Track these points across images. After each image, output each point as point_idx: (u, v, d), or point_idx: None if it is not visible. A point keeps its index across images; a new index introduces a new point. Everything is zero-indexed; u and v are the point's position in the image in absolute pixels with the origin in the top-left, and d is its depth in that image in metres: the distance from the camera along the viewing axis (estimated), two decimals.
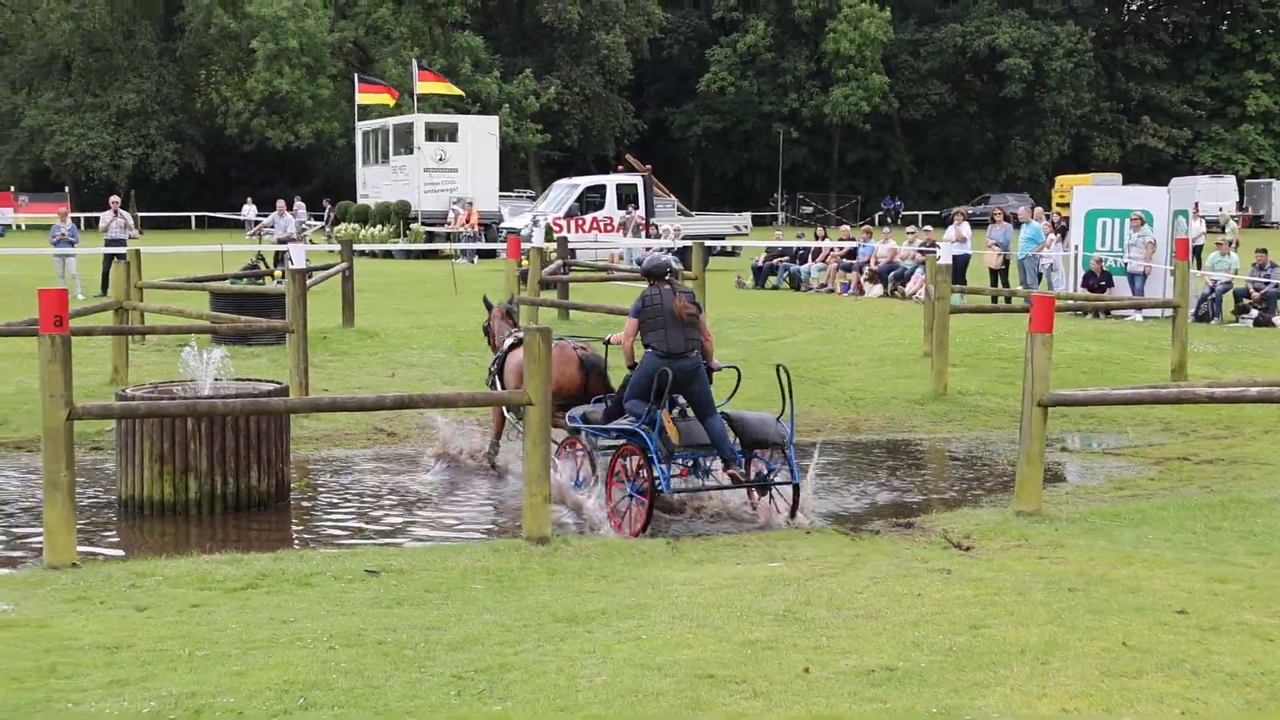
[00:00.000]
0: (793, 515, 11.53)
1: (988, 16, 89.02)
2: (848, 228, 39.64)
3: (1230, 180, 73.15)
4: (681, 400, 11.78)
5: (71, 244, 29.83)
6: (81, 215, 58.19)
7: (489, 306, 14.78)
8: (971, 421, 16.86)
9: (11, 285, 29.94)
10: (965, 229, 30.02)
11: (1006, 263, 29.22)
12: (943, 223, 55.06)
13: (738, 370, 12.93)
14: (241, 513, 12.14)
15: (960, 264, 27.02)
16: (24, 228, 70.86)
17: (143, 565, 9.18)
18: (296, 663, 6.66)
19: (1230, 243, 28.41)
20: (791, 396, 11.81)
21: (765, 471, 11.82)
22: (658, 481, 11.06)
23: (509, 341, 13.54)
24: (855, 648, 6.89)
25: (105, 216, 30.63)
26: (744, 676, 6.45)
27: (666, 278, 11.88)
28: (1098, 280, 26.34)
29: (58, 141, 78.80)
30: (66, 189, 75.78)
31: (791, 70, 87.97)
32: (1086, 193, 30.28)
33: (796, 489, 11.62)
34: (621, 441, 11.66)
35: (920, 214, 77.25)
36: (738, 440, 11.73)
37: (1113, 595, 7.91)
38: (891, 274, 30.98)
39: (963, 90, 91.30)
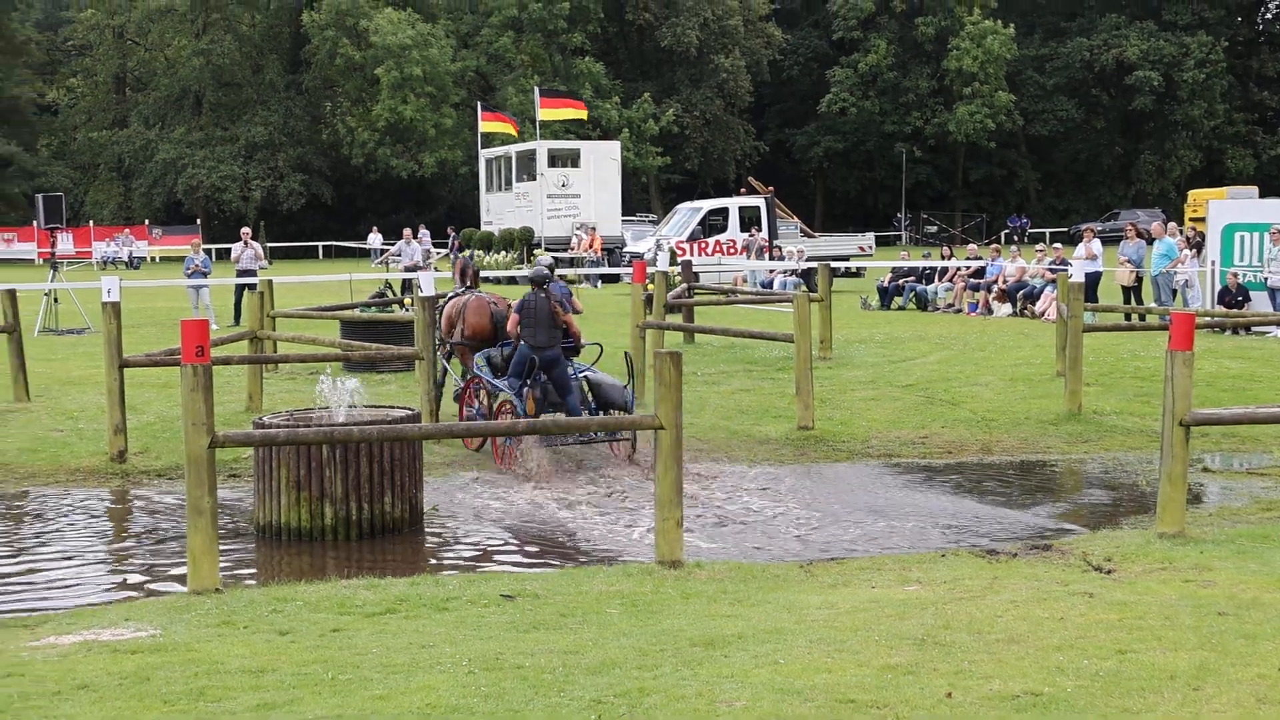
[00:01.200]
0: (630, 457, 15.47)
1: (1115, 30, 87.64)
2: (975, 246, 39.19)
3: None
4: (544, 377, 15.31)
5: (205, 275, 30.42)
6: (212, 247, 59.39)
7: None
8: (1108, 442, 16.56)
9: (147, 316, 30.65)
10: (1096, 246, 29.52)
11: (1140, 280, 28.69)
12: (1070, 240, 54.31)
13: (599, 346, 17.08)
14: (376, 539, 12.28)
15: (1092, 281, 26.56)
16: (158, 260, 72.44)
17: (284, 590, 9.31)
18: (437, 687, 6.70)
19: None
20: (633, 377, 16.10)
21: None
22: None
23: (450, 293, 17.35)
24: (998, 672, 6.77)
25: (236, 248, 31.20)
26: (885, 701, 6.37)
27: (543, 284, 15.44)
28: (1234, 296, 25.77)
29: (189, 175, 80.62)
30: (198, 221, 77.50)
31: (913, 89, 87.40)
32: (1223, 206, 29.61)
33: (633, 440, 15.51)
34: (503, 398, 15.54)
35: (1047, 231, 76.25)
36: (592, 398, 15.51)
37: (1266, 620, 7.70)
38: (1021, 293, 30.56)
39: (1090, 105, 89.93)
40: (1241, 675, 6.65)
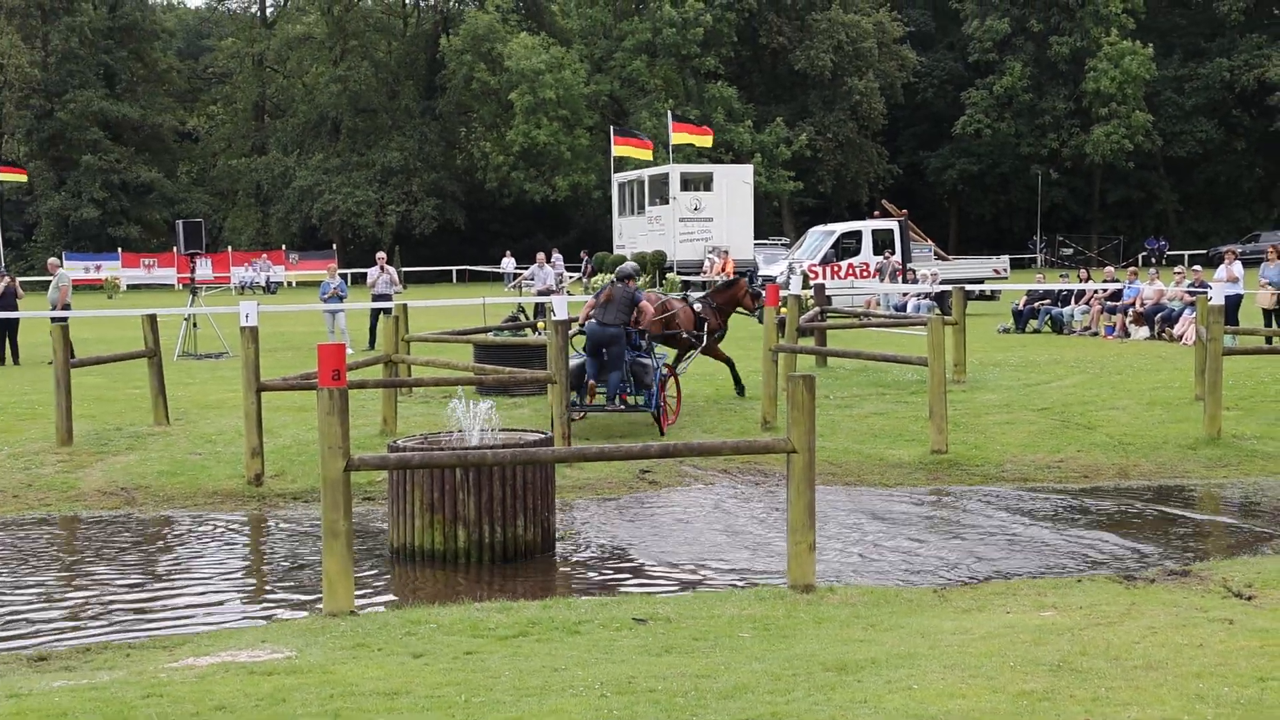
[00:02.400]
0: (660, 430, 17.94)
1: (1257, 49, 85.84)
2: (1111, 269, 38.59)
3: None
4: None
5: (341, 299, 30.92)
6: (348, 271, 60.41)
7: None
8: (1248, 466, 16.23)
9: (284, 340, 31.28)
10: (1237, 268, 28.95)
11: None
12: (1210, 262, 53.22)
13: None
14: (509, 562, 12.38)
15: (1232, 304, 26.03)
16: (294, 285, 73.78)
17: (417, 613, 9.43)
18: (570, 710, 6.74)
19: None
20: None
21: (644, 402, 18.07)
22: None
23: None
24: (1136, 700, 6.67)
25: (372, 272, 31.65)
26: None
27: (625, 280, 18.23)
28: None
29: (325, 200, 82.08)
30: (334, 246, 78.84)
31: (1050, 110, 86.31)
32: None
33: (656, 414, 17.97)
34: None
35: (1186, 254, 74.84)
36: (632, 381, 18.10)
37: None
38: (1158, 315, 30.05)
39: (1230, 126, 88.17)
40: None
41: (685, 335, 20.09)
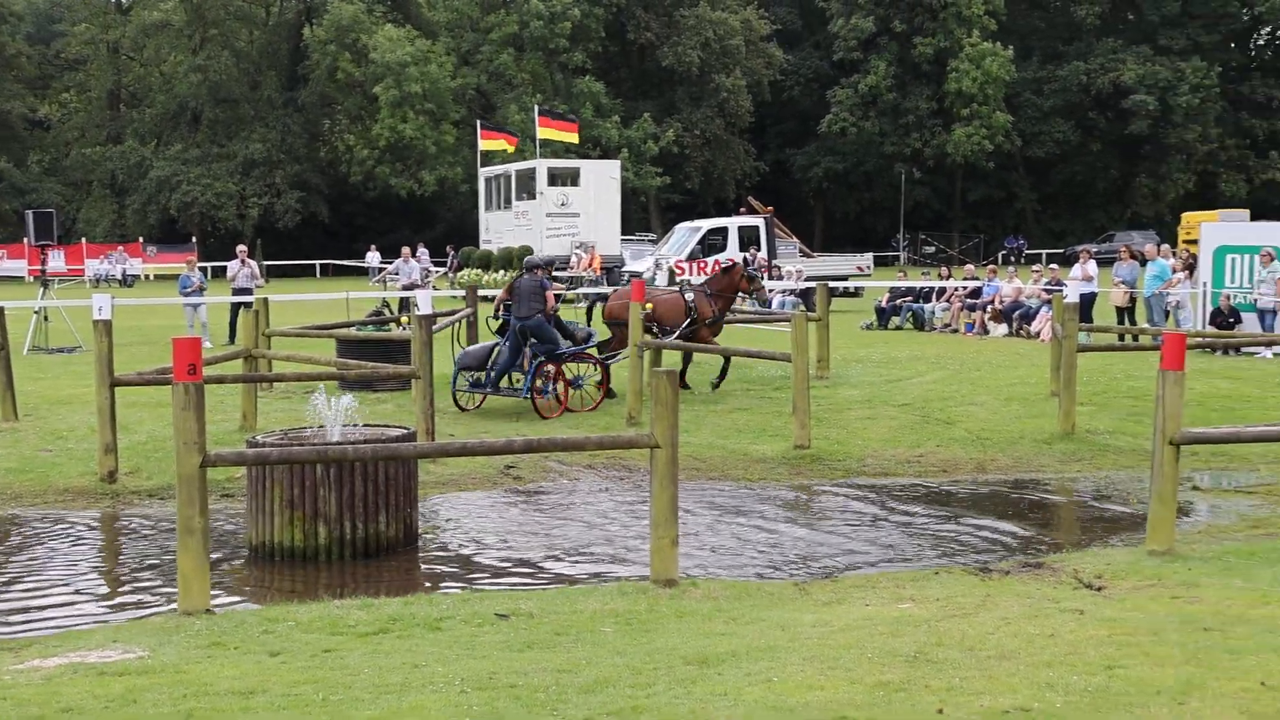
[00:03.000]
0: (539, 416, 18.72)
1: (1112, 54, 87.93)
2: (972, 267, 39.24)
3: None
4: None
5: (202, 293, 30.42)
6: (208, 265, 59.43)
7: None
8: (1100, 460, 16.63)
9: (141, 335, 30.66)
10: (1091, 267, 29.59)
11: (1133, 300, 28.76)
12: (1067, 261, 54.34)
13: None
14: (370, 558, 12.28)
15: (1087, 302, 26.61)
16: (152, 278, 72.43)
17: (275, 611, 9.31)
18: (430, 707, 6.70)
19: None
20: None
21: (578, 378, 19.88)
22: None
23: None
24: (989, 689, 6.79)
25: (232, 266, 31.18)
26: (877, 718, 6.38)
27: (534, 270, 19.28)
28: (1226, 317, 25.86)
29: (184, 192, 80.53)
30: (193, 239, 77.48)
31: (913, 110, 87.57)
32: (1215, 229, 29.72)
33: (530, 399, 18.90)
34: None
35: (1044, 253, 76.38)
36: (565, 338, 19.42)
37: (1250, 635, 7.74)
38: (1016, 313, 30.62)
39: (1086, 128, 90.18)
40: (1227, 689, 6.68)
41: (659, 328, 20.66)
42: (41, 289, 30.81)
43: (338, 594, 10.31)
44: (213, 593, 9.93)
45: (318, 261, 78.55)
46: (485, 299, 37.20)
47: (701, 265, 44.44)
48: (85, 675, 7.54)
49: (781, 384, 20.27)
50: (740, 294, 22.05)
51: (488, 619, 8.87)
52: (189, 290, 29.93)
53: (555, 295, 19.22)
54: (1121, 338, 24.63)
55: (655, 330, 20.48)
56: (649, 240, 61.57)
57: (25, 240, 47.57)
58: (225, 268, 32.59)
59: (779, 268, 43.58)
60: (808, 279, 37.65)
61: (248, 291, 29.00)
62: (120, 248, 73.55)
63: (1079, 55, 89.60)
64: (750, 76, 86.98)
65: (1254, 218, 60.63)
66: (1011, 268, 37.76)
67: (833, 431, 17.77)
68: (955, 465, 16.48)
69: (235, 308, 28.82)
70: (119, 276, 68.15)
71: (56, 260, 64.04)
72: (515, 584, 11.27)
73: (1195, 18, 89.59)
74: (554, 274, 46.77)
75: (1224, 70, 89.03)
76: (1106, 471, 16.21)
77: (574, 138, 58.67)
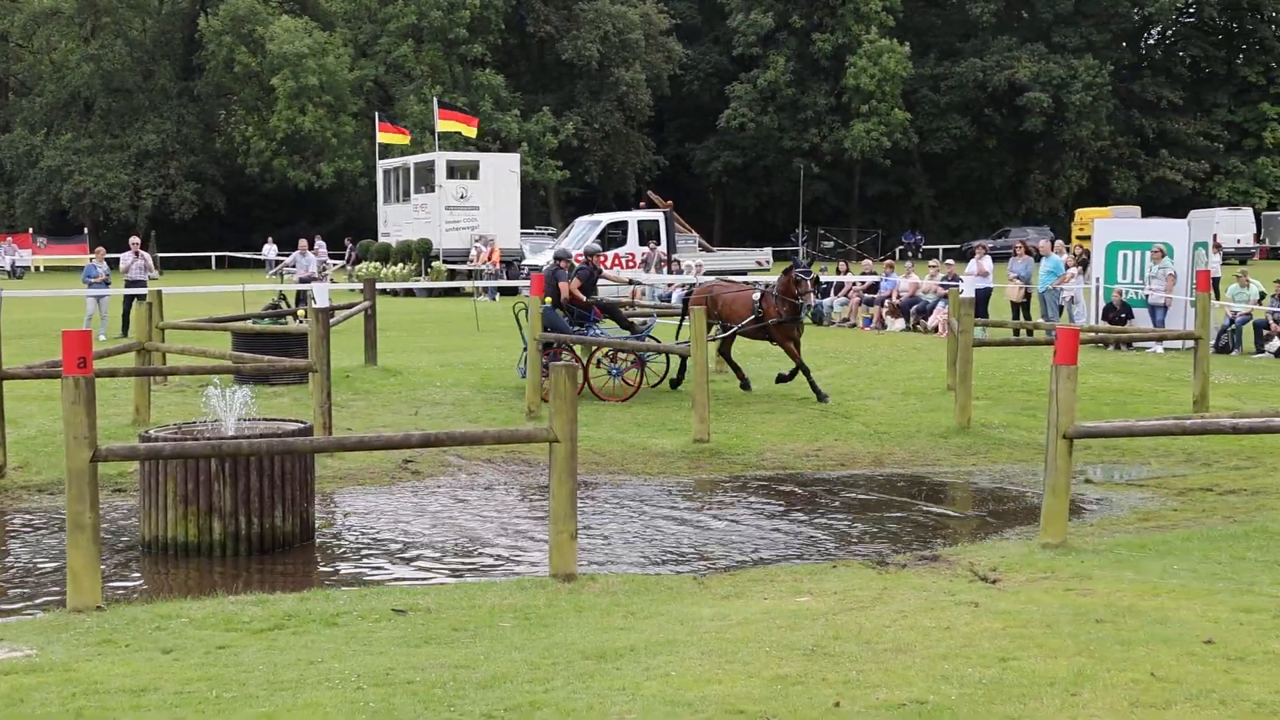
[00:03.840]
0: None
1: (1007, 51, 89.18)
2: (870, 262, 39.61)
3: (1248, 213, 73.20)
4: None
5: (106, 284, 30.00)
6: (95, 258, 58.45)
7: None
8: (995, 454, 16.82)
9: (31, 327, 30.06)
10: (987, 263, 30.00)
11: (1028, 296, 29.18)
12: (963, 257, 55.04)
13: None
14: (266, 553, 12.14)
15: (982, 297, 26.94)
16: (42, 269, 71.16)
17: (168, 607, 9.16)
18: (325, 703, 6.64)
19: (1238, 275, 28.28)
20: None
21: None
22: None
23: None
24: (885, 682, 6.85)
25: (126, 257, 30.72)
26: (774, 712, 6.42)
27: (557, 261, 20.66)
28: (1118, 313, 26.31)
29: (76, 182, 79.18)
30: (85, 230, 76.20)
31: (812, 106, 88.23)
32: (1108, 225, 30.25)
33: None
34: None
35: (941, 248, 77.27)
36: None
37: (1140, 626, 7.87)
38: (914, 308, 30.95)
39: (983, 124, 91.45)
40: (1117, 680, 6.80)
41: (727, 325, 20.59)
42: None
43: (232, 590, 10.17)
44: (104, 589, 9.75)
45: (213, 254, 77.59)
46: (384, 292, 37.03)
47: (601, 259, 44.39)
48: None
49: None
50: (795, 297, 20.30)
51: (385, 614, 8.80)
52: (94, 281, 29.49)
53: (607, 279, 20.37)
54: (1016, 333, 25.04)
55: (721, 325, 20.50)
56: (549, 234, 61.50)
57: None
58: (118, 260, 32.07)
59: (678, 262, 43.71)
60: (707, 273, 37.76)
61: (141, 284, 28.58)
62: (9, 239, 72.19)
63: (975, 52, 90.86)
64: (650, 71, 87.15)
65: (1145, 214, 61.93)
66: (909, 263, 38.12)
67: (732, 425, 17.83)
68: (853, 459, 16.59)
69: (128, 300, 28.39)
70: (8, 268, 66.88)
71: None
72: (413, 579, 11.18)
73: (1088, 17, 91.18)
74: (452, 268, 46.70)
75: (1116, 69, 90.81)
76: (1001, 465, 16.41)
77: (473, 131, 58.48)
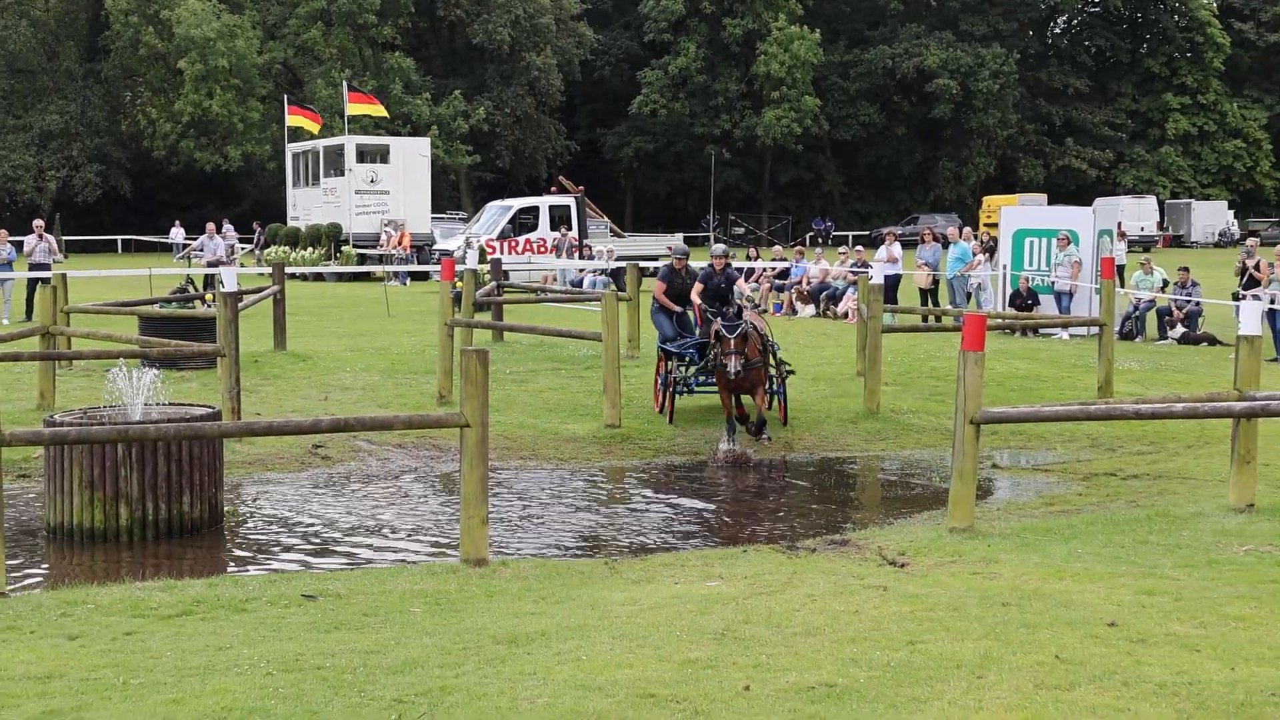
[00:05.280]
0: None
1: (915, 39, 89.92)
2: (780, 248, 39.80)
3: (1151, 201, 74.41)
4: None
5: (10, 266, 29.52)
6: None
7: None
8: (904, 439, 17.00)
9: None
10: (897, 249, 30.25)
11: (936, 282, 29.46)
12: (873, 243, 55.43)
13: None
14: (174, 539, 12.03)
15: (892, 284, 27.21)
16: None
17: (73, 593, 9.07)
18: (234, 689, 6.60)
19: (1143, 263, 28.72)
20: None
21: None
22: None
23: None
24: (794, 665, 6.92)
25: (29, 240, 30.24)
26: (684, 695, 6.46)
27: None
28: (1024, 299, 26.64)
29: None
30: None
31: (723, 92, 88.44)
32: (1014, 213, 30.62)
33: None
34: None
35: (851, 234, 77.77)
36: None
37: (1045, 609, 7.99)
38: (824, 294, 31.15)
39: (892, 112, 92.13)
40: (1022, 662, 6.90)
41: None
42: None
43: (140, 576, 10.08)
44: (8, 575, 9.62)
45: (119, 237, 76.37)
46: (293, 277, 36.69)
47: (512, 244, 44.34)
48: None
49: (592, 363, 20.32)
50: None
51: (295, 600, 8.76)
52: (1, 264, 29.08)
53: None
54: (925, 319, 25.25)
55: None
56: (460, 219, 61.18)
57: None
58: (22, 243, 31.56)
59: (590, 247, 43.70)
60: (619, 259, 37.80)
61: (45, 267, 28.15)
62: None
63: (884, 40, 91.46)
64: (561, 56, 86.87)
65: (1051, 202, 62.67)
66: (819, 249, 38.39)
67: (643, 411, 17.86)
68: (762, 443, 16.68)
69: (32, 284, 27.96)
70: None
71: None
72: (323, 564, 11.13)
73: (995, 5, 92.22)
74: (362, 252, 46.32)
75: (1023, 57, 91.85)
76: (910, 450, 16.59)
77: (383, 111, 58.11)
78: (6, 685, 6.75)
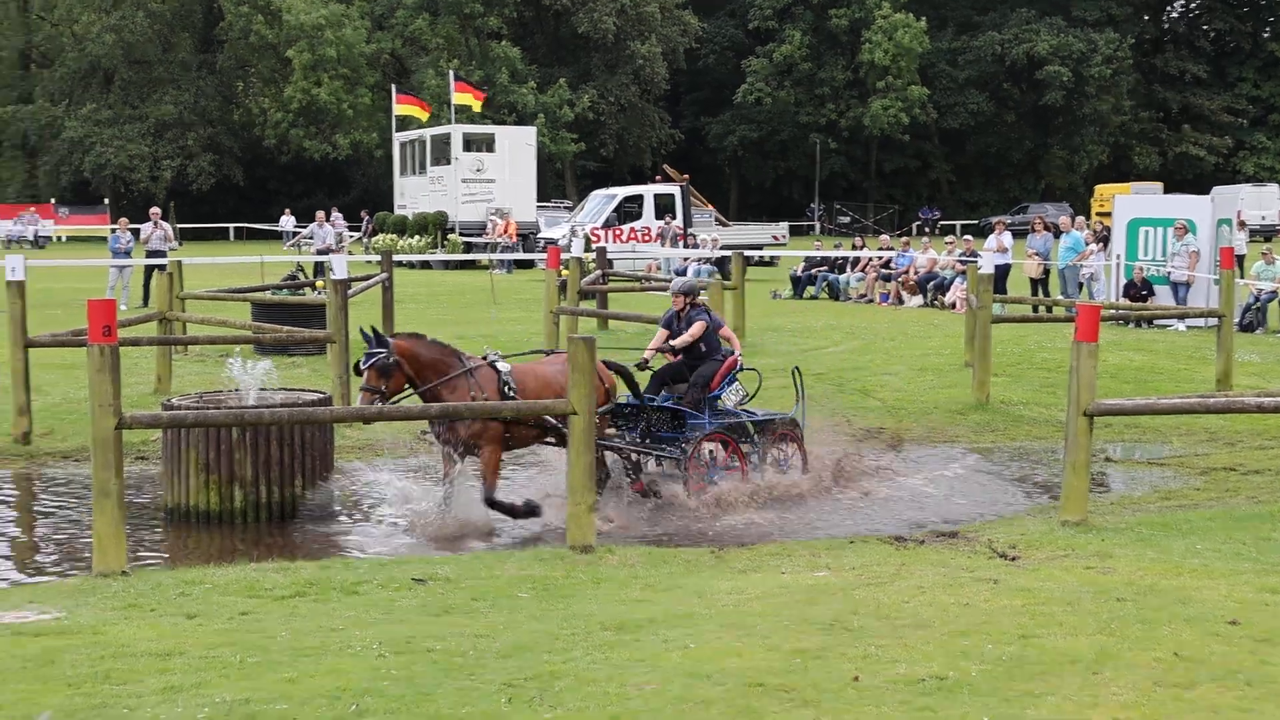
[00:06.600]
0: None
1: (1026, 24, 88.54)
2: (887, 237, 39.49)
3: (1273, 189, 72.75)
4: None
5: (129, 254, 30.17)
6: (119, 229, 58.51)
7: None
8: (1014, 431, 16.78)
9: (53, 297, 30.12)
10: (1006, 238, 29.86)
11: (1047, 272, 29.06)
12: (980, 232, 54.85)
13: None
14: (286, 521, 12.20)
15: (1001, 273, 26.86)
16: (64, 239, 71.29)
17: (191, 573, 9.24)
18: (347, 670, 6.69)
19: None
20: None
21: None
22: None
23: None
24: (904, 657, 6.87)
25: (145, 228, 30.85)
26: (793, 685, 6.44)
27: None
28: (1139, 290, 26.20)
29: (97, 153, 79.19)
30: (106, 201, 76.24)
31: (829, 81, 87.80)
32: (1129, 202, 30.13)
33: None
34: None
35: (958, 224, 76.97)
36: None
37: (1163, 605, 7.86)
38: (931, 284, 30.87)
39: (1001, 99, 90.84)
40: (1139, 659, 6.79)
41: None
42: None
43: (254, 558, 10.23)
44: (129, 554, 9.81)
45: (231, 225, 77.58)
46: (400, 264, 37.02)
47: (617, 233, 44.40)
48: (1, 635, 7.46)
49: None
50: None
51: (405, 583, 8.84)
52: (119, 250, 29.71)
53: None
54: (1035, 309, 24.92)
55: None
56: (564, 207, 61.38)
57: None
58: (139, 230, 32.16)
59: (694, 235, 43.65)
60: (723, 247, 37.72)
61: (161, 254, 28.66)
62: (32, 209, 72.25)
63: (993, 26, 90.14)
64: (666, 44, 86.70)
65: (1167, 190, 61.53)
66: (926, 238, 38.00)
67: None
68: (871, 435, 16.55)
69: (149, 271, 28.51)
70: (30, 238, 66.96)
71: None
72: (433, 549, 11.21)
73: None
74: (467, 240, 46.59)
75: (1137, 42, 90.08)
76: (1020, 442, 16.37)
77: (479, 106, 58.45)
78: (130, 661, 6.90)
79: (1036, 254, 28.88)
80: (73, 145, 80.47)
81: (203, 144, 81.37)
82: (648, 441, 13.15)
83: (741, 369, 13.81)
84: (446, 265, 45.36)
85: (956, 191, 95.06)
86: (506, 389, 11.89)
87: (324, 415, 11.45)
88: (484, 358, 12.27)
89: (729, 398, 13.67)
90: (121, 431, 9.37)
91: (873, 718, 6.05)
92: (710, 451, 13.09)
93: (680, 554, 10.18)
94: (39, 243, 66.86)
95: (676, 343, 13.45)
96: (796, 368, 14.72)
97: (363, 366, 11.70)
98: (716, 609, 8.03)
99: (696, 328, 13.29)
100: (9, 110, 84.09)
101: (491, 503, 11.82)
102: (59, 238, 71.52)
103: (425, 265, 45.75)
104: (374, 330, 11.92)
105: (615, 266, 31.88)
